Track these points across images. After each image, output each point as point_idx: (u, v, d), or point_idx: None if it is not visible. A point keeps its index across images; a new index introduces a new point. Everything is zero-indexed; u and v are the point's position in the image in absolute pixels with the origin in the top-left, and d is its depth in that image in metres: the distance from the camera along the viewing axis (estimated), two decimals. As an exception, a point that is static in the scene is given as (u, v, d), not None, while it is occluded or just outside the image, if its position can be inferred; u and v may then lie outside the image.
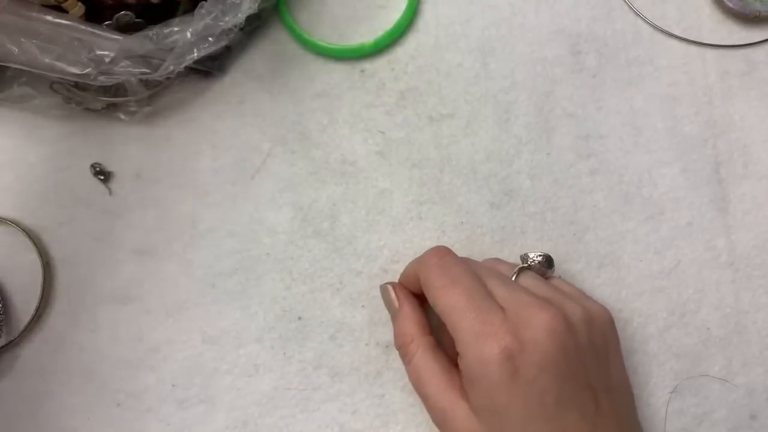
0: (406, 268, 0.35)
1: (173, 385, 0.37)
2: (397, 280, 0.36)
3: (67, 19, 0.34)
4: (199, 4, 0.35)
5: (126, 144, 0.39)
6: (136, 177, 0.39)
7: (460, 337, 0.30)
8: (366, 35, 0.40)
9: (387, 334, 0.37)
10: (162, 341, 0.37)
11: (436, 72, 0.40)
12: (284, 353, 0.37)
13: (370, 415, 0.36)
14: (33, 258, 0.37)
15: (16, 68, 0.34)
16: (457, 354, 0.30)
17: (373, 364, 0.37)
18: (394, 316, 0.35)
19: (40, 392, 0.36)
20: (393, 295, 0.35)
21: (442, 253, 0.33)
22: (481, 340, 0.29)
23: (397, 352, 0.35)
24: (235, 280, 0.38)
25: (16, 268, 0.38)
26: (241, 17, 0.35)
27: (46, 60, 0.34)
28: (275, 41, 0.41)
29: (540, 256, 0.34)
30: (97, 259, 0.38)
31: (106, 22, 0.35)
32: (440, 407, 0.31)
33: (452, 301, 0.30)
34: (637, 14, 0.41)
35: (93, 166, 0.39)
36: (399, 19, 0.40)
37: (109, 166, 0.39)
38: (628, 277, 0.38)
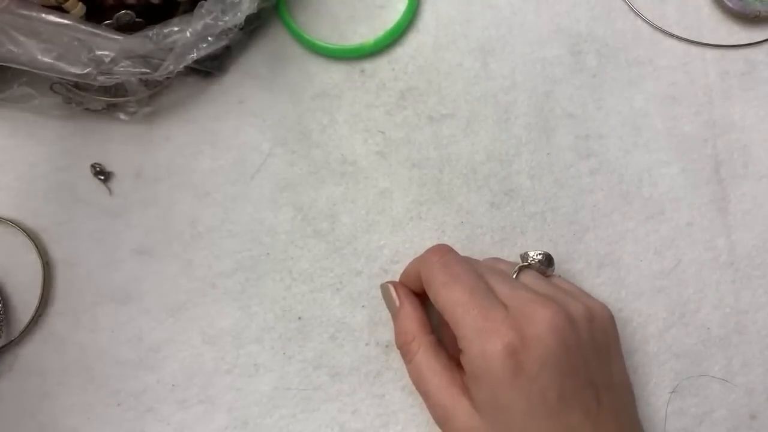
0: (407, 267, 0.35)
1: (173, 385, 0.37)
2: (397, 280, 0.36)
3: (67, 20, 0.34)
4: (199, 4, 0.35)
5: (126, 144, 0.39)
6: (136, 177, 0.39)
7: (462, 333, 0.30)
8: (366, 35, 0.40)
9: (387, 333, 0.37)
10: (162, 341, 0.37)
11: (436, 72, 0.40)
12: (284, 353, 0.37)
13: (370, 414, 0.36)
14: (33, 258, 0.37)
15: (16, 68, 0.34)
16: (458, 352, 0.30)
17: (373, 364, 0.37)
18: (395, 314, 0.35)
19: (40, 392, 0.36)
20: (394, 293, 0.35)
21: (443, 250, 0.33)
22: (483, 336, 0.29)
23: (397, 351, 0.35)
24: (235, 280, 0.38)
25: (16, 268, 0.38)
26: (240, 17, 0.35)
27: (47, 60, 0.34)
28: (275, 41, 0.41)
29: (540, 254, 0.34)
30: (97, 259, 0.38)
31: (106, 22, 0.35)
32: (442, 405, 0.31)
33: (454, 298, 0.30)
34: (637, 14, 0.41)
35: (93, 166, 0.39)
36: (399, 19, 0.40)
37: (109, 166, 0.39)
38: (628, 277, 0.38)
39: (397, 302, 0.35)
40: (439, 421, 0.31)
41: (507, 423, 0.28)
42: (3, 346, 0.36)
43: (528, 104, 0.40)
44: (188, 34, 0.34)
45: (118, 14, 0.35)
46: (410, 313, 0.34)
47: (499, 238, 0.38)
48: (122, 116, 0.39)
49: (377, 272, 0.38)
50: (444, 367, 0.31)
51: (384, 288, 0.36)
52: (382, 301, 0.36)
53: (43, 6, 0.34)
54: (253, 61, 0.40)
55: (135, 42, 0.34)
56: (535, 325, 0.29)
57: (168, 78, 0.36)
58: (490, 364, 0.28)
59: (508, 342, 0.28)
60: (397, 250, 0.38)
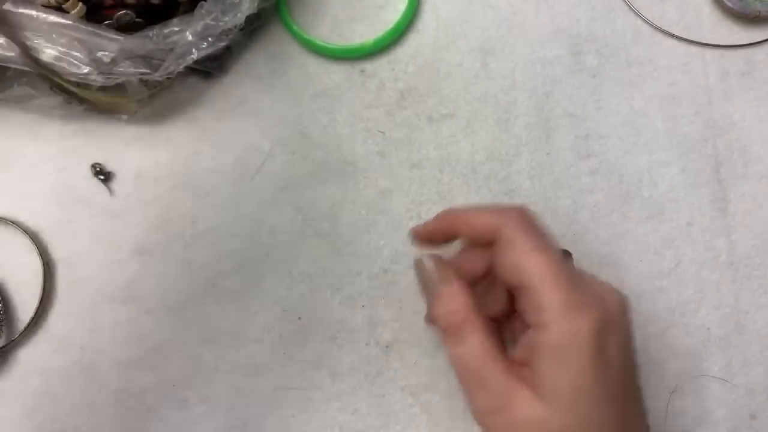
0: (464, 214, 0.31)
1: (173, 385, 0.37)
2: (418, 250, 0.34)
3: (67, 20, 0.34)
4: (199, 4, 0.35)
5: (126, 144, 0.39)
6: (136, 177, 0.39)
7: (549, 305, 0.27)
8: (366, 35, 0.40)
9: (387, 334, 0.37)
10: (162, 341, 0.37)
11: (436, 72, 0.40)
12: (284, 353, 0.37)
13: (370, 415, 0.36)
14: (33, 258, 0.37)
15: (16, 68, 0.34)
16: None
17: (373, 364, 0.37)
18: (436, 293, 0.31)
19: (40, 392, 0.36)
20: (435, 269, 0.31)
21: (531, 213, 0.30)
22: (575, 310, 0.26)
23: (397, 351, 0.35)
24: (235, 280, 0.38)
25: (16, 268, 0.38)
26: (240, 17, 0.35)
27: (47, 60, 0.34)
28: (275, 41, 0.41)
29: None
30: (97, 259, 0.38)
31: (107, 22, 0.35)
32: (498, 393, 0.27)
33: (543, 266, 0.27)
34: (637, 14, 0.41)
35: (93, 166, 0.39)
36: (399, 19, 0.40)
37: (110, 166, 0.39)
38: (628, 277, 0.38)
39: (438, 278, 0.31)
40: (488, 411, 0.28)
41: (578, 409, 0.26)
42: (3, 346, 0.36)
43: (528, 104, 0.40)
44: (188, 35, 0.34)
45: (118, 14, 0.35)
46: (458, 290, 0.30)
47: (499, 238, 0.38)
48: (122, 116, 0.39)
49: (377, 272, 0.38)
50: (500, 349, 0.28)
51: (420, 263, 0.32)
52: (383, 301, 0.36)
53: (43, 6, 0.34)
54: (254, 61, 0.40)
55: (135, 42, 0.34)
56: (613, 308, 0.27)
57: (168, 78, 0.36)
58: (579, 341, 0.26)
59: (598, 319, 0.26)
60: (397, 250, 0.38)
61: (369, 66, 0.40)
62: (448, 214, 0.32)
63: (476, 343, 0.28)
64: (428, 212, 0.38)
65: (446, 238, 0.32)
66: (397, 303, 0.37)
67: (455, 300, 0.30)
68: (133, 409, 0.36)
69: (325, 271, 0.38)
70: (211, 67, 0.39)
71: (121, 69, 0.34)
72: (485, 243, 0.30)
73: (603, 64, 0.40)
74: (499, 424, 0.27)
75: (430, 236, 0.33)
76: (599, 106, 0.40)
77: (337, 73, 0.40)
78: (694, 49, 0.41)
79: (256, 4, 0.36)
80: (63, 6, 0.34)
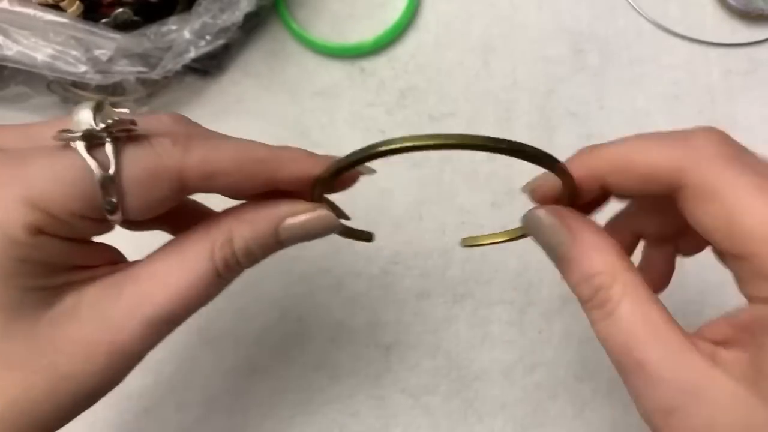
0: (623, 150, 0.22)
1: (172, 386, 0.36)
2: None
3: (64, 18, 0.33)
4: (197, 2, 0.34)
5: (124, 143, 0.39)
6: (134, 177, 0.39)
7: None
8: (366, 33, 0.40)
9: (387, 335, 0.37)
10: (160, 342, 0.37)
11: (437, 70, 0.40)
12: (284, 354, 0.37)
13: (369, 417, 0.36)
14: (30, 258, 0.37)
15: (12, 67, 0.34)
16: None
17: (373, 365, 0.36)
18: (567, 249, 0.22)
19: (37, 393, 0.36)
20: (560, 221, 0.23)
21: (729, 137, 0.22)
22: None
23: (398, 353, 0.35)
24: (235, 281, 0.37)
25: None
26: (239, 15, 0.35)
27: (44, 59, 0.34)
28: (274, 39, 0.40)
29: None
30: (95, 259, 0.38)
31: (104, 20, 0.35)
32: (679, 381, 0.19)
33: None
34: (639, 12, 0.41)
35: (91, 165, 0.38)
36: (399, 17, 0.40)
37: (107, 166, 0.39)
38: (630, 277, 0.37)
39: (568, 231, 0.22)
40: (669, 407, 0.19)
41: None
42: (0, 348, 0.36)
43: (530, 103, 0.39)
44: (186, 33, 0.34)
45: (115, 12, 0.35)
46: (597, 242, 0.22)
47: (500, 239, 0.38)
48: (120, 115, 0.39)
49: (377, 273, 0.37)
50: (670, 321, 0.20)
51: (535, 217, 0.24)
52: (382, 301, 0.36)
53: (40, 4, 0.34)
54: (252, 59, 0.40)
55: (132, 40, 0.34)
56: None
57: (166, 77, 0.36)
58: None
59: None
60: (397, 251, 0.38)
61: (369, 64, 0.40)
62: (595, 153, 0.23)
63: (633, 311, 0.21)
64: (428, 212, 0.38)
65: (592, 193, 0.23)
66: (398, 304, 0.37)
67: (596, 255, 0.22)
68: (132, 410, 0.36)
69: (324, 272, 0.37)
70: (209, 66, 0.38)
71: (119, 68, 0.34)
72: (660, 194, 0.22)
73: (605, 62, 0.40)
74: (687, 425, 0.19)
75: (568, 191, 0.24)
76: (601, 105, 0.39)
77: (336, 71, 0.40)
78: (696, 47, 0.40)
79: (254, 1, 0.35)
80: (60, 4, 0.34)
